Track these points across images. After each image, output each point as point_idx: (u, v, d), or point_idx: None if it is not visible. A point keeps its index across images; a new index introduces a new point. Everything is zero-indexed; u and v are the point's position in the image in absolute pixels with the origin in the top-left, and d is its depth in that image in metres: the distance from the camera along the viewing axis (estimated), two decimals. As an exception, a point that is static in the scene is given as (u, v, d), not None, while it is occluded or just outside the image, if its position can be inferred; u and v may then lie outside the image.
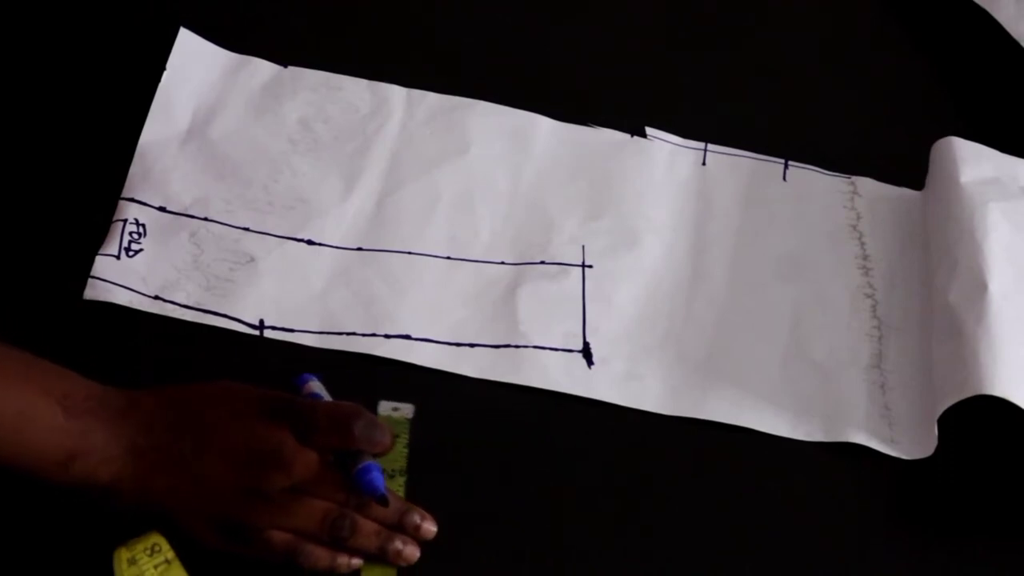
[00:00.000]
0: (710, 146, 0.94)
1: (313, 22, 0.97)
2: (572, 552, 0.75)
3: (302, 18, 0.97)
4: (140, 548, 0.68)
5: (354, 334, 0.81)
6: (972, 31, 1.02)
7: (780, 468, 0.79)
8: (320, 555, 0.70)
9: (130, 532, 0.69)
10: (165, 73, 0.90)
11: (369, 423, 0.71)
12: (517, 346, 0.82)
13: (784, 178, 0.93)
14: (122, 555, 0.68)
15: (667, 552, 0.75)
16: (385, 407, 0.77)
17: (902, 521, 0.78)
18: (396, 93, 0.93)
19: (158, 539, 0.69)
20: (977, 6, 1.02)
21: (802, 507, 0.78)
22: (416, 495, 0.75)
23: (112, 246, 0.83)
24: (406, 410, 0.77)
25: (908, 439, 0.80)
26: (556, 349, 0.82)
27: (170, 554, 0.68)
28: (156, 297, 0.81)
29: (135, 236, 0.83)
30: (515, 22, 1.00)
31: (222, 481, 0.69)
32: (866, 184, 0.93)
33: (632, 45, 1.00)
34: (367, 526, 0.71)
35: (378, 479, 0.70)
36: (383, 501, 0.70)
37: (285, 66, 0.93)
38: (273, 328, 0.81)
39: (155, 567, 0.68)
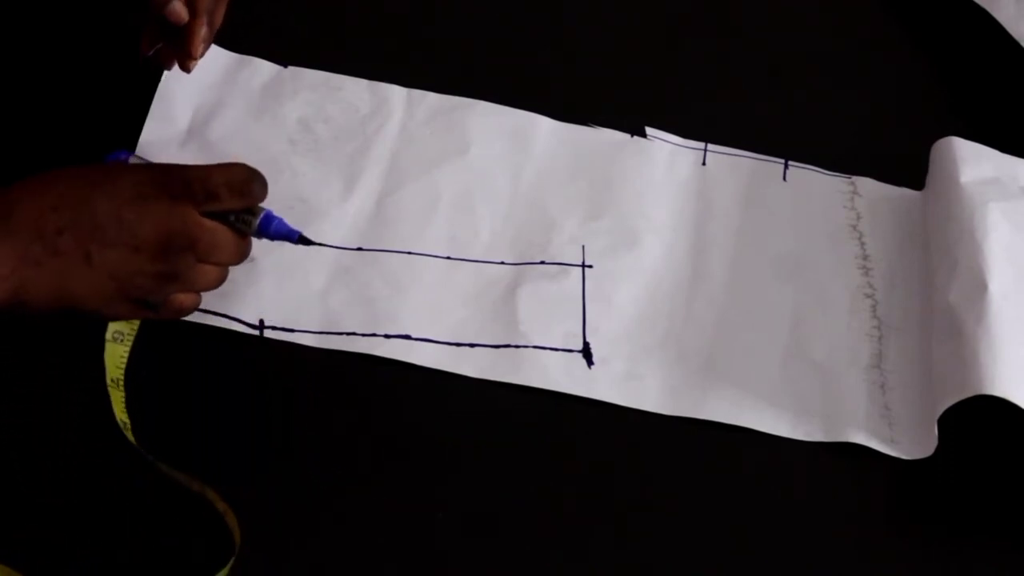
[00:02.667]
0: (710, 146, 0.94)
1: (313, 22, 0.97)
2: (572, 552, 0.75)
3: (302, 18, 0.97)
4: None
5: (354, 334, 0.81)
6: (972, 31, 1.02)
7: (780, 468, 0.79)
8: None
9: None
10: (165, 73, 0.90)
11: (262, 181, 0.73)
12: (517, 346, 0.82)
13: (784, 178, 0.93)
14: None
15: (668, 552, 0.75)
16: None
17: (902, 521, 0.78)
18: (396, 93, 0.93)
19: None
20: (977, 6, 1.02)
21: (802, 507, 0.78)
22: (416, 494, 0.75)
23: (112, 246, 0.82)
24: None
25: (908, 439, 0.80)
26: (556, 349, 0.82)
27: None
28: (156, 297, 0.81)
29: (135, 236, 0.83)
30: (515, 22, 1.00)
31: (137, 271, 0.69)
32: (866, 184, 0.93)
33: (632, 45, 1.00)
34: None
35: (285, 222, 0.75)
36: (305, 241, 0.75)
37: (285, 66, 0.93)
38: (273, 328, 0.81)
39: None
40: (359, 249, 0.85)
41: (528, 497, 0.76)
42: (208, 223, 0.71)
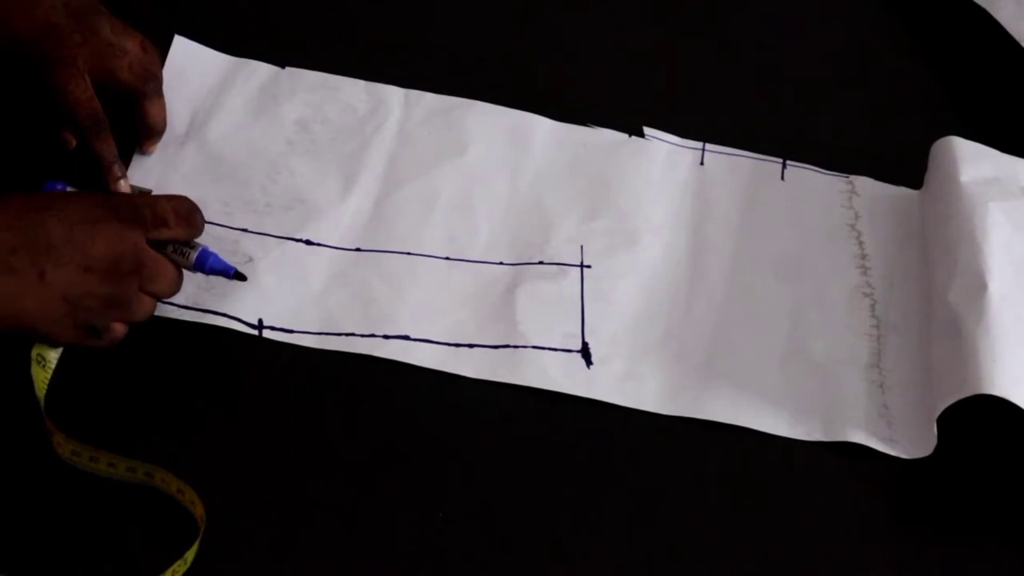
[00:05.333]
0: (708, 146, 0.94)
1: (311, 23, 0.97)
2: (572, 552, 0.75)
3: (300, 19, 0.97)
4: None
5: (353, 335, 0.81)
6: (972, 31, 1.02)
7: (780, 468, 0.79)
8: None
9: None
10: (165, 73, 0.90)
11: (202, 214, 0.76)
12: (516, 346, 0.82)
13: (782, 177, 0.93)
14: None
15: (667, 552, 0.75)
16: None
17: (901, 520, 0.78)
18: (393, 94, 0.93)
19: None
20: (977, 6, 1.02)
21: (802, 507, 0.78)
22: (415, 495, 0.75)
23: (111, 247, 0.82)
24: None
25: (907, 438, 0.80)
26: (555, 349, 0.82)
27: None
28: (155, 298, 0.81)
29: (134, 237, 0.83)
30: (514, 22, 1.00)
31: (88, 292, 0.71)
32: (864, 183, 0.93)
33: (630, 45, 1.00)
34: None
35: (221, 258, 0.77)
36: (240, 277, 0.77)
37: (283, 67, 0.93)
38: (272, 328, 0.81)
39: None
40: (358, 250, 0.85)
41: (528, 497, 0.76)
42: (152, 251, 0.73)
